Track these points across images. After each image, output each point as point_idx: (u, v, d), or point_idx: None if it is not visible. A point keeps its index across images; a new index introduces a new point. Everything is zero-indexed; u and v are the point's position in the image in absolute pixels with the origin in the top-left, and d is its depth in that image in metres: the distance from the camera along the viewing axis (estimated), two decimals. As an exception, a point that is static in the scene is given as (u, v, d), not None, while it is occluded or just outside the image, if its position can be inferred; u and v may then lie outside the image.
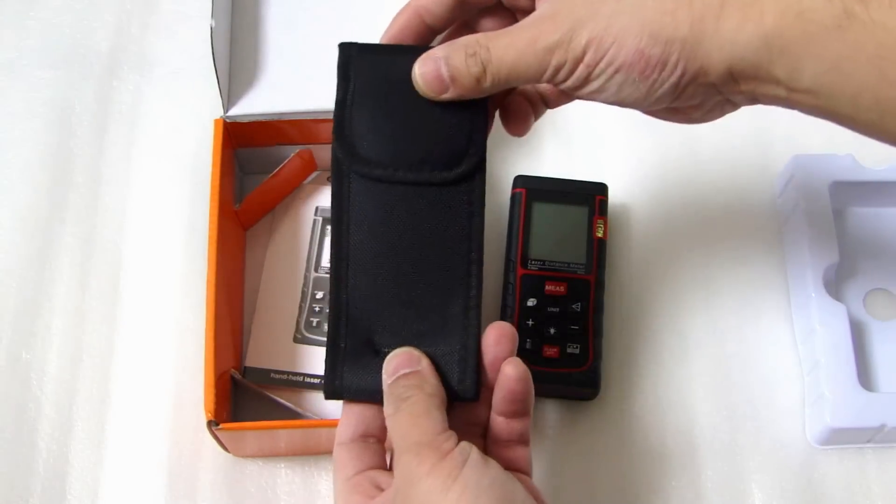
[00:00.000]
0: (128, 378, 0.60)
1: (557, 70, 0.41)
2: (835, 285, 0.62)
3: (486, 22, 0.47)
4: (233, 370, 0.57)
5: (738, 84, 0.40)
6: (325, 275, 0.62)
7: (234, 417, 0.58)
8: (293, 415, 0.56)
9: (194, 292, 0.61)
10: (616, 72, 0.40)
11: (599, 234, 0.60)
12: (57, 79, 0.69)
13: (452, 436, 0.39)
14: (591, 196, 0.62)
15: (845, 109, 0.39)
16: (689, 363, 0.61)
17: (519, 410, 0.42)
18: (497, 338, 0.42)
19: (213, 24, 0.56)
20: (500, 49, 0.41)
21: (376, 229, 0.44)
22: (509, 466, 0.41)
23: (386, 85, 0.44)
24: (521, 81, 0.42)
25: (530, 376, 0.42)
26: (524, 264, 0.60)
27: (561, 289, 0.59)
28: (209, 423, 0.51)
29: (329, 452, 0.57)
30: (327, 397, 0.43)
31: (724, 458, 0.58)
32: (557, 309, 0.58)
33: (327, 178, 0.64)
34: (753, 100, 0.42)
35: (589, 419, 0.59)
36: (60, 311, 0.61)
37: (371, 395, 0.42)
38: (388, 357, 0.42)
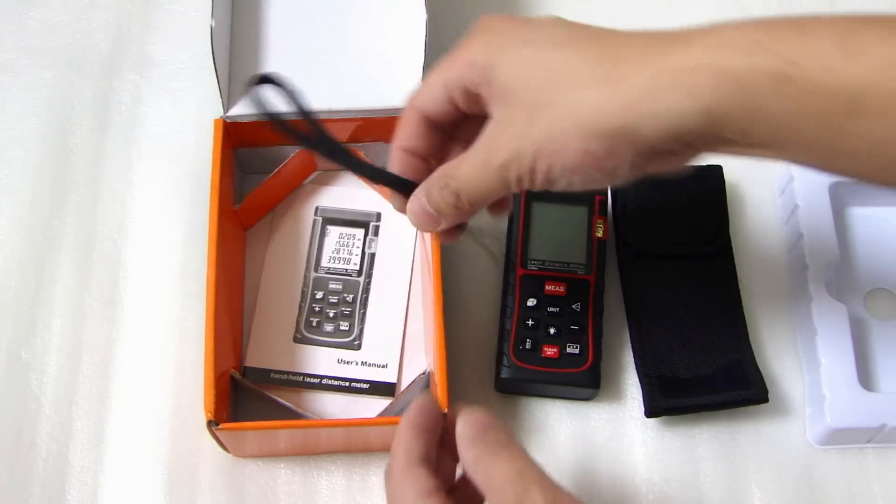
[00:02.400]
0: (128, 378, 0.60)
1: (519, 182, 0.43)
2: (835, 285, 0.62)
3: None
4: (233, 370, 0.57)
5: (694, 148, 0.40)
6: (324, 275, 0.62)
7: (234, 417, 0.58)
8: (293, 415, 0.56)
9: (194, 292, 0.61)
10: (573, 173, 0.41)
11: (599, 234, 0.60)
12: (57, 79, 0.68)
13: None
14: (590, 196, 0.61)
15: (802, 158, 0.39)
16: (689, 363, 0.61)
17: None
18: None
19: (213, 24, 0.56)
20: (463, 176, 0.45)
21: (662, 291, 0.60)
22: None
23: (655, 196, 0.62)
24: (494, 198, 0.45)
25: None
26: (524, 264, 0.60)
27: (561, 289, 0.59)
28: (209, 423, 0.51)
29: (328, 452, 0.57)
30: (650, 416, 0.57)
31: (723, 458, 0.58)
32: (557, 309, 0.58)
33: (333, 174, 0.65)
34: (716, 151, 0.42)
35: (589, 419, 0.59)
36: (60, 311, 0.61)
37: (678, 410, 0.58)
38: (465, 412, 0.44)
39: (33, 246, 0.63)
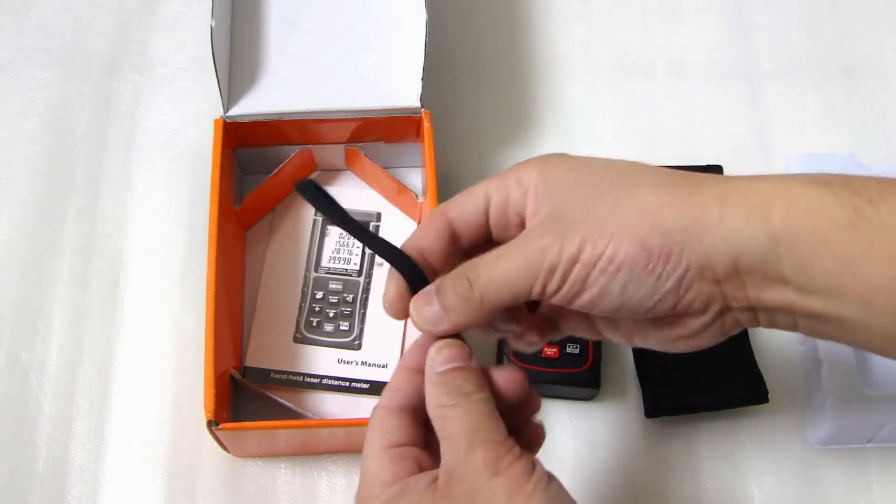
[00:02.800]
0: (128, 378, 0.60)
1: (551, 273, 0.38)
2: (835, 285, 0.62)
3: None
4: (233, 370, 0.57)
5: (745, 285, 0.38)
6: (324, 275, 0.62)
7: (234, 417, 0.58)
8: (293, 415, 0.56)
9: (194, 292, 0.61)
10: (617, 270, 0.37)
11: (599, 234, 0.60)
12: (57, 79, 0.68)
13: (514, 442, 0.38)
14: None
15: (857, 314, 0.36)
16: (690, 363, 0.61)
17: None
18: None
19: (213, 24, 0.56)
20: (489, 261, 0.39)
21: None
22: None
23: None
24: (513, 291, 0.39)
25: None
26: (524, 264, 0.60)
27: (561, 289, 0.59)
28: (209, 423, 0.51)
29: (328, 452, 0.57)
30: (650, 416, 0.58)
31: (723, 458, 0.58)
32: (557, 309, 0.58)
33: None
34: (755, 313, 0.39)
35: (589, 419, 0.59)
36: (60, 311, 0.61)
37: (678, 410, 0.58)
38: (438, 345, 0.40)
39: (33, 246, 0.63)
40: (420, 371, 0.41)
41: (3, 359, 0.60)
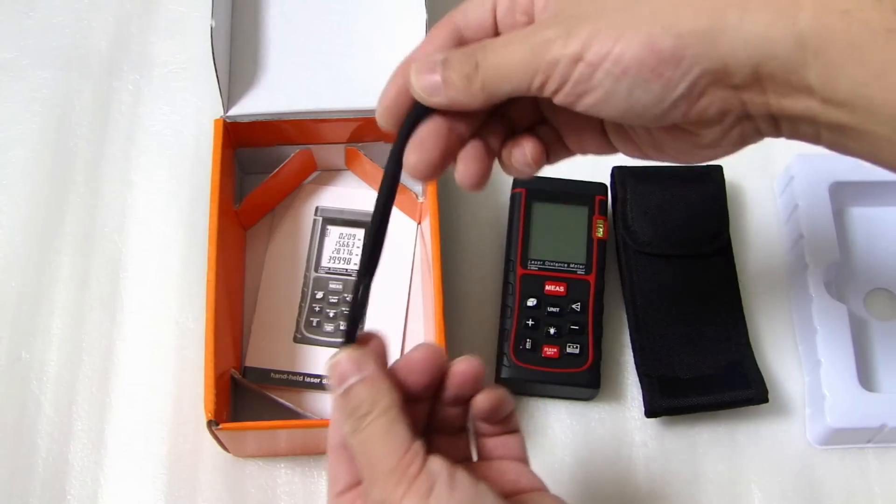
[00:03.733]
0: (128, 378, 0.60)
1: (552, 66, 0.36)
2: (835, 285, 0.62)
3: None
4: (233, 370, 0.57)
5: (766, 92, 0.35)
6: (325, 275, 0.62)
7: (234, 417, 0.58)
8: (293, 415, 0.56)
9: (194, 292, 0.61)
10: (623, 72, 0.35)
11: (599, 234, 0.60)
12: (57, 79, 0.68)
13: (419, 453, 0.37)
14: (590, 196, 0.62)
15: (885, 129, 0.33)
16: (690, 363, 0.61)
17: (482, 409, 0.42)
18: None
19: (213, 24, 0.56)
20: (497, 46, 0.38)
21: (662, 291, 0.60)
22: (503, 456, 0.42)
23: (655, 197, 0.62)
24: (515, 81, 0.37)
25: (481, 370, 0.41)
26: (524, 264, 0.60)
27: (561, 289, 0.59)
28: (209, 423, 0.51)
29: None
30: (650, 416, 0.57)
31: (723, 458, 0.58)
32: (557, 309, 0.58)
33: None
34: (777, 122, 0.37)
35: (589, 419, 0.59)
36: (60, 310, 0.61)
37: (678, 410, 0.57)
38: (331, 361, 0.39)
39: (33, 246, 0.63)
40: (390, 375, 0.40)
41: (3, 359, 0.60)
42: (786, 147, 0.67)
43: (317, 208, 0.64)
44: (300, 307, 0.61)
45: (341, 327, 0.60)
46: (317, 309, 0.61)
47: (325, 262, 0.62)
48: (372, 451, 0.37)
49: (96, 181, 0.65)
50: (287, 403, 0.57)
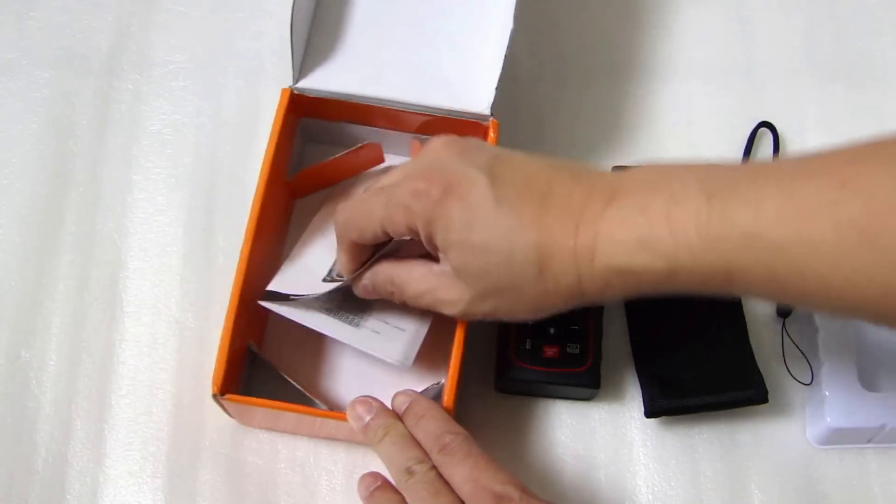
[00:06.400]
0: (127, 378, 0.60)
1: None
2: (835, 285, 0.62)
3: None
4: (250, 342, 0.56)
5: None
6: None
7: (246, 391, 0.56)
8: (304, 400, 0.55)
9: (194, 292, 0.61)
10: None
11: (599, 234, 0.60)
12: (57, 79, 0.69)
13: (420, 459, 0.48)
14: (591, 196, 0.61)
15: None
16: (689, 363, 0.61)
17: None
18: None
19: None
20: (410, 285, 0.51)
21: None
22: None
23: None
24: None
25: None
26: (524, 264, 0.60)
27: (561, 289, 0.59)
28: (215, 396, 0.51)
29: (334, 439, 0.57)
30: (650, 416, 0.58)
31: (723, 458, 0.58)
32: (557, 309, 0.58)
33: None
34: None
35: (589, 419, 0.59)
36: (60, 310, 0.61)
37: (678, 410, 0.58)
38: (349, 411, 0.52)
39: (33, 246, 0.63)
40: None
41: (3, 358, 0.60)
42: (788, 149, 0.67)
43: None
44: (334, 265, 0.59)
45: None
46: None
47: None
48: (389, 456, 0.49)
49: (96, 181, 0.65)
50: (299, 387, 0.55)
